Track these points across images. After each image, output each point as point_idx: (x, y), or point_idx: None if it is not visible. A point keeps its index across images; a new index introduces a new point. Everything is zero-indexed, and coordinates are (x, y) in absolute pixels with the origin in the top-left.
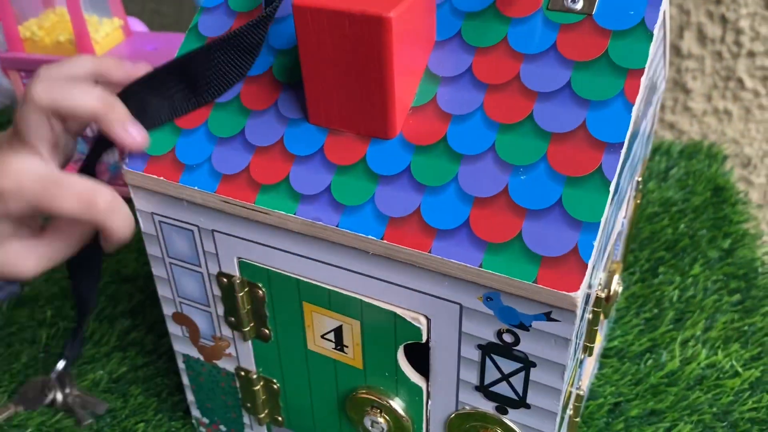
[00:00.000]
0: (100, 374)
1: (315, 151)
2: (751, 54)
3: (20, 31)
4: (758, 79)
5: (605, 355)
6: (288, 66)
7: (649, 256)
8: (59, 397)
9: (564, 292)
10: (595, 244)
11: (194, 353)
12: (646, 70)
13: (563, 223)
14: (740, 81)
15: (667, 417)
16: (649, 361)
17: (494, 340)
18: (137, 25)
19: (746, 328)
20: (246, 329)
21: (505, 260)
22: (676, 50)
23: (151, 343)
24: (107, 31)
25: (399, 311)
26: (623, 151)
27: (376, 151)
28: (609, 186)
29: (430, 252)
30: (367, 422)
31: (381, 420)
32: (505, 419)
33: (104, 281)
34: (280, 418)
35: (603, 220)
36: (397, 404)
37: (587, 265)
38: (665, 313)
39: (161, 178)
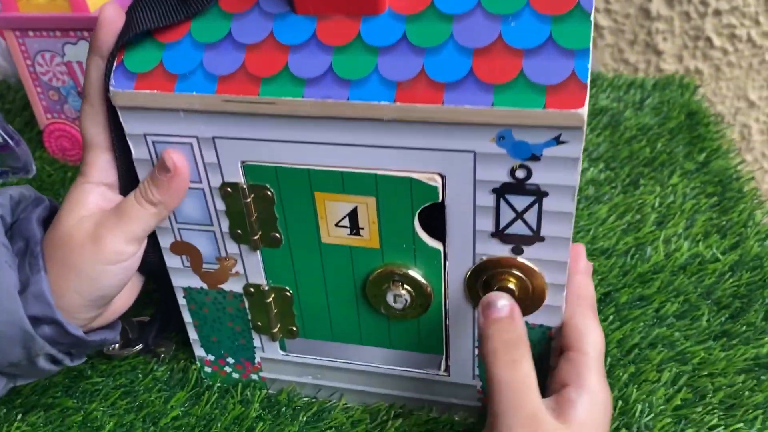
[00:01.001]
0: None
1: (308, 38)
2: (717, 12)
3: None
4: (726, 37)
5: (592, 254)
6: None
7: (629, 172)
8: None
9: (572, 110)
10: (588, 66)
11: (196, 283)
12: None
13: (558, 54)
14: (709, 40)
15: (655, 300)
16: (635, 256)
17: (508, 179)
18: None
19: (724, 223)
20: (255, 237)
21: (513, 96)
22: (646, 12)
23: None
24: None
25: (415, 175)
26: None
27: (369, 27)
28: (589, 16)
29: (443, 104)
30: (390, 298)
31: (403, 291)
32: (521, 259)
33: None
34: (294, 329)
35: (590, 45)
36: (417, 273)
37: (586, 84)
38: (647, 217)
39: (155, 91)
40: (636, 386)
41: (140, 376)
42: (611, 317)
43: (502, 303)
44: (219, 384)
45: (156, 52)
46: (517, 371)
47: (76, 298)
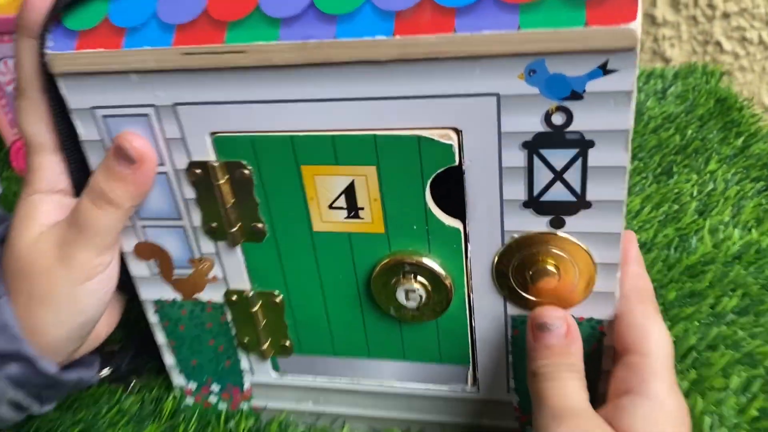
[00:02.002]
0: None
1: None
2: (726, 15)
3: None
4: (736, 41)
5: None
6: None
7: (659, 161)
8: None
9: (621, 26)
10: None
11: (168, 294)
12: None
13: None
14: (719, 44)
15: (709, 295)
16: (679, 249)
17: (542, 128)
18: None
19: None
20: (233, 230)
21: (544, 15)
22: (651, 19)
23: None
24: None
25: (423, 133)
26: None
27: None
28: None
29: (454, 32)
30: (401, 295)
31: (417, 285)
32: (562, 234)
33: None
34: (287, 343)
35: None
36: (432, 261)
37: None
38: (687, 207)
39: (99, 49)
40: (700, 395)
41: (105, 409)
42: None
43: (557, 323)
44: (199, 415)
45: (100, 5)
46: (571, 396)
47: (55, 331)
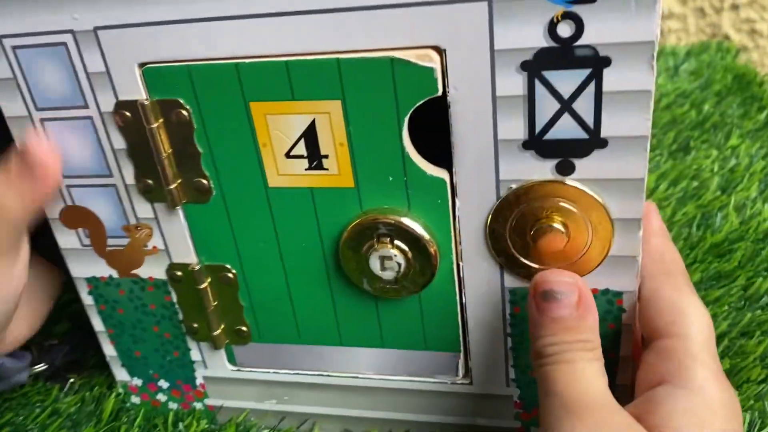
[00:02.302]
0: None
1: None
2: (735, 7)
3: None
4: (745, 33)
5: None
6: None
7: (675, 138)
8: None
9: None
10: None
11: (102, 270)
12: None
13: None
14: (727, 37)
15: (740, 276)
16: (702, 227)
17: (545, 42)
18: None
19: None
20: (173, 186)
21: None
22: None
23: None
24: None
25: (398, 54)
26: None
27: None
28: None
29: None
30: (375, 264)
31: (394, 251)
32: (571, 182)
33: None
34: (244, 329)
35: None
36: (413, 221)
37: None
38: (708, 183)
39: None
40: (736, 388)
41: (37, 410)
42: None
43: (567, 290)
44: (144, 416)
45: None
46: (588, 383)
47: None
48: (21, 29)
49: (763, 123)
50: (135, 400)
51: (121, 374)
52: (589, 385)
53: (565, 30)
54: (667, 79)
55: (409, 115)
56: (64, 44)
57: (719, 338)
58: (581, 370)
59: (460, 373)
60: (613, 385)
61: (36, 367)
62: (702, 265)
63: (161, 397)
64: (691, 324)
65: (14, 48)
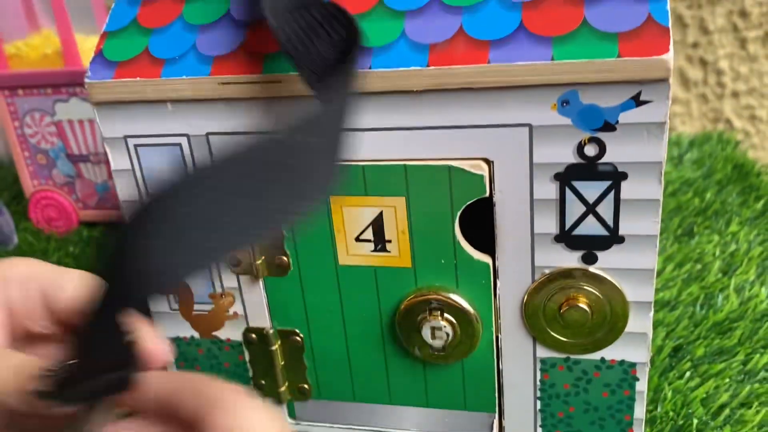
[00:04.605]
0: None
1: None
2: (735, 94)
3: (5, 49)
4: (746, 119)
5: (653, 308)
6: None
7: (680, 223)
8: None
9: (654, 57)
10: (668, 8)
11: (187, 331)
12: None
13: None
14: (728, 121)
15: (739, 352)
16: (705, 306)
17: (574, 159)
18: None
19: None
20: (258, 262)
21: (577, 47)
22: None
23: None
24: (94, 43)
25: (454, 163)
26: None
27: None
28: None
29: (488, 62)
30: (426, 333)
31: (443, 323)
32: (594, 270)
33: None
34: (306, 387)
35: None
36: (460, 297)
37: (668, 27)
38: (710, 266)
39: (137, 78)
40: None
41: None
42: (688, 373)
43: None
44: None
45: (141, 38)
46: None
47: None
48: (145, 131)
49: (760, 211)
50: None
51: None
52: None
53: (590, 150)
54: (672, 167)
55: (461, 211)
56: (179, 145)
57: (720, 408)
58: None
59: (495, 431)
60: None
61: None
62: (705, 341)
63: None
64: None
65: (135, 145)
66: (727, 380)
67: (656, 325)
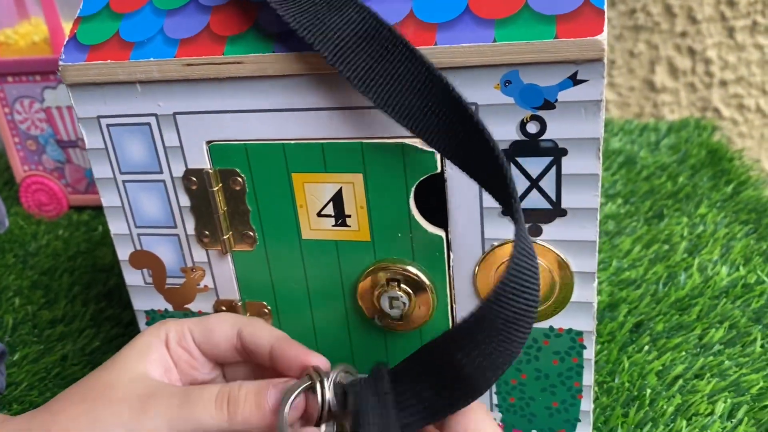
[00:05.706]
0: (70, 349)
1: None
2: (723, 83)
3: None
4: (734, 108)
5: (617, 285)
6: None
7: (651, 206)
8: None
9: (588, 38)
10: None
11: (160, 303)
12: None
13: None
14: (717, 111)
15: (696, 327)
16: (668, 284)
17: (517, 136)
18: None
19: (765, 248)
20: (225, 236)
21: (518, 29)
22: (651, 85)
23: (128, 317)
24: None
25: (407, 141)
26: None
27: None
28: None
29: (435, 44)
30: (385, 303)
31: (400, 293)
32: (540, 242)
33: (79, 271)
34: None
35: None
36: (416, 269)
37: (603, 10)
38: (677, 247)
39: (108, 61)
40: (686, 419)
41: None
42: (646, 347)
43: None
44: None
45: (111, 23)
46: None
47: None
48: (117, 111)
49: (729, 195)
50: None
51: None
52: None
53: (532, 128)
54: (648, 152)
55: (414, 187)
56: (149, 124)
57: (675, 380)
58: None
59: None
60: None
61: None
62: (665, 317)
63: None
64: None
65: (108, 125)
66: (683, 353)
67: (620, 302)
